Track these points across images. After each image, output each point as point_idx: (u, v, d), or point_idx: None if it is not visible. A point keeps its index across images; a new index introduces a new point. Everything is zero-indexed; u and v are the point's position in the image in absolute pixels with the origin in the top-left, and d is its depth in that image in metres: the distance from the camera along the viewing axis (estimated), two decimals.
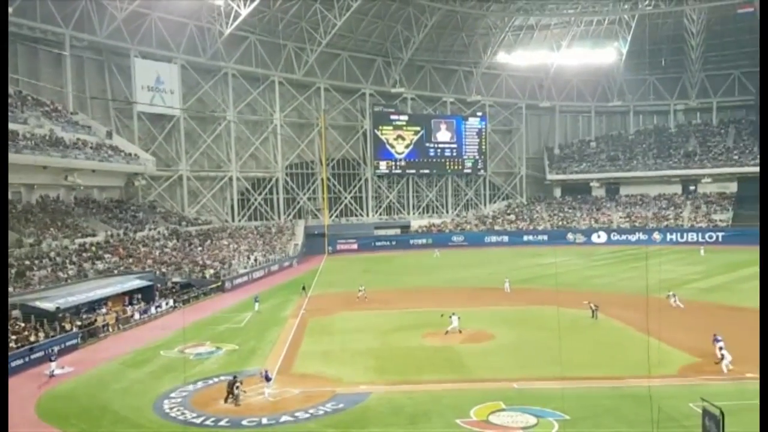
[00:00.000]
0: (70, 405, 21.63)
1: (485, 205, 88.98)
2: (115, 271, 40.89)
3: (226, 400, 20.93)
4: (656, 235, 72.49)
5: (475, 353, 26.86)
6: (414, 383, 22.65)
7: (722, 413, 14.79)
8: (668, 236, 72.00)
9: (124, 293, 37.01)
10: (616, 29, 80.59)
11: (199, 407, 20.74)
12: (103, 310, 34.14)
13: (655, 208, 79.95)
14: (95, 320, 32.74)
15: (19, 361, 25.61)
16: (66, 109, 52.31)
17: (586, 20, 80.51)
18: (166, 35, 59.39)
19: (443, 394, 21.26)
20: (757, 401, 19.39)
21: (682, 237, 71.63)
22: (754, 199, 72.75)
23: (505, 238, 77.60)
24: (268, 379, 21.86)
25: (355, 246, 74.54)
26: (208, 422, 19.40)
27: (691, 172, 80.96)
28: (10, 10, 39.52)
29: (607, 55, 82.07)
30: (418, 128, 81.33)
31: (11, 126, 40.94)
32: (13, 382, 22.49)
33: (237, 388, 21.02)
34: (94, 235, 45.15)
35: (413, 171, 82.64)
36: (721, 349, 23.75)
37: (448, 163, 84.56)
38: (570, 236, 76.45)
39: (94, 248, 43.12)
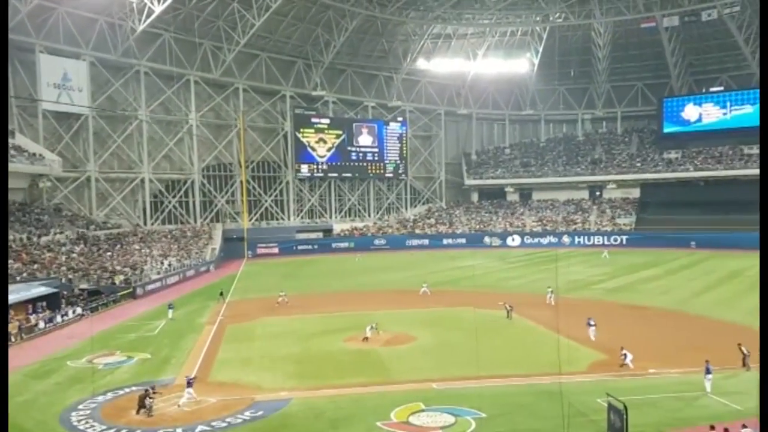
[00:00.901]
0: None
1: (406, 209, 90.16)
2: (18, 278, 38.69)
3: (138, 411, 20.12)
4: (565, 239, 76.22)
5: (396, 355, 27.14)
6: (336, 387, 22.60)
7: (626, 407, 15.73)
8: (576, 239, 75.87)
9: (27, 301, 35.08)
10: (528, 40, 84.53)
11: (109, 419, 19.89)
12: None
13: (565, 213, 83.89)
14: None
15: None
16: None
17: (500, 31, 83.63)
18: (75, 31, 56.34)
19: (365, 397, 21.36)
20: (659, 395, 20.86)
21: (589, 240, 75.51)
22: (656, 204, 78.84)
23: (426, 242, 78.93)
24: (189, 384, 21.21)
25: (276, 250, 73.25)
26: None
27: (597, 179, 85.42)
28: None
29: (520, 65, 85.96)
30: (339, 132, 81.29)
31: None
32: None
33: (150, 398, 20.23)
34: None
35: (335, 174, 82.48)
36: (592, 328, 27.85)
37: (370, 167, 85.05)
38: (487, 239, 78.98)
39: None
